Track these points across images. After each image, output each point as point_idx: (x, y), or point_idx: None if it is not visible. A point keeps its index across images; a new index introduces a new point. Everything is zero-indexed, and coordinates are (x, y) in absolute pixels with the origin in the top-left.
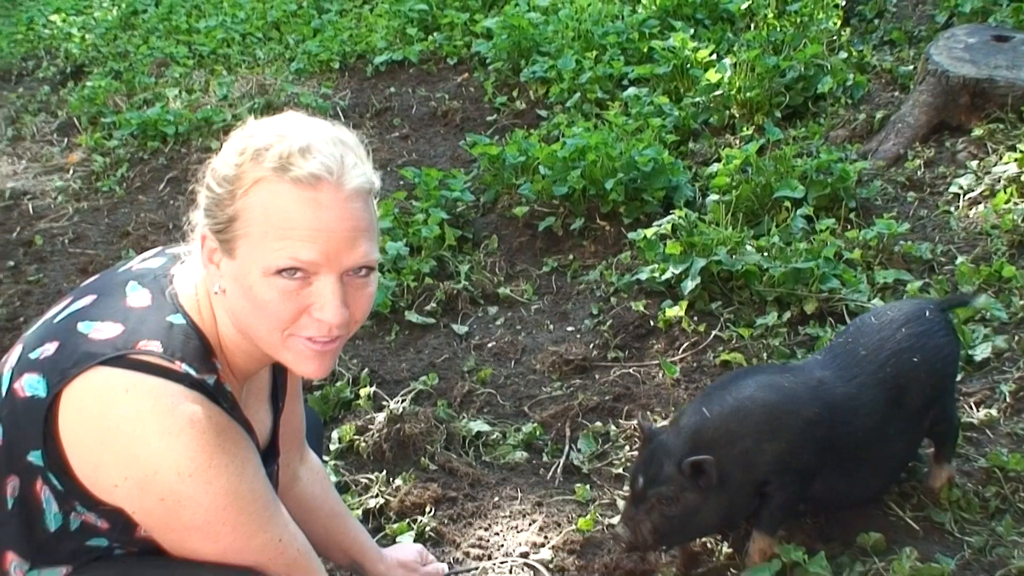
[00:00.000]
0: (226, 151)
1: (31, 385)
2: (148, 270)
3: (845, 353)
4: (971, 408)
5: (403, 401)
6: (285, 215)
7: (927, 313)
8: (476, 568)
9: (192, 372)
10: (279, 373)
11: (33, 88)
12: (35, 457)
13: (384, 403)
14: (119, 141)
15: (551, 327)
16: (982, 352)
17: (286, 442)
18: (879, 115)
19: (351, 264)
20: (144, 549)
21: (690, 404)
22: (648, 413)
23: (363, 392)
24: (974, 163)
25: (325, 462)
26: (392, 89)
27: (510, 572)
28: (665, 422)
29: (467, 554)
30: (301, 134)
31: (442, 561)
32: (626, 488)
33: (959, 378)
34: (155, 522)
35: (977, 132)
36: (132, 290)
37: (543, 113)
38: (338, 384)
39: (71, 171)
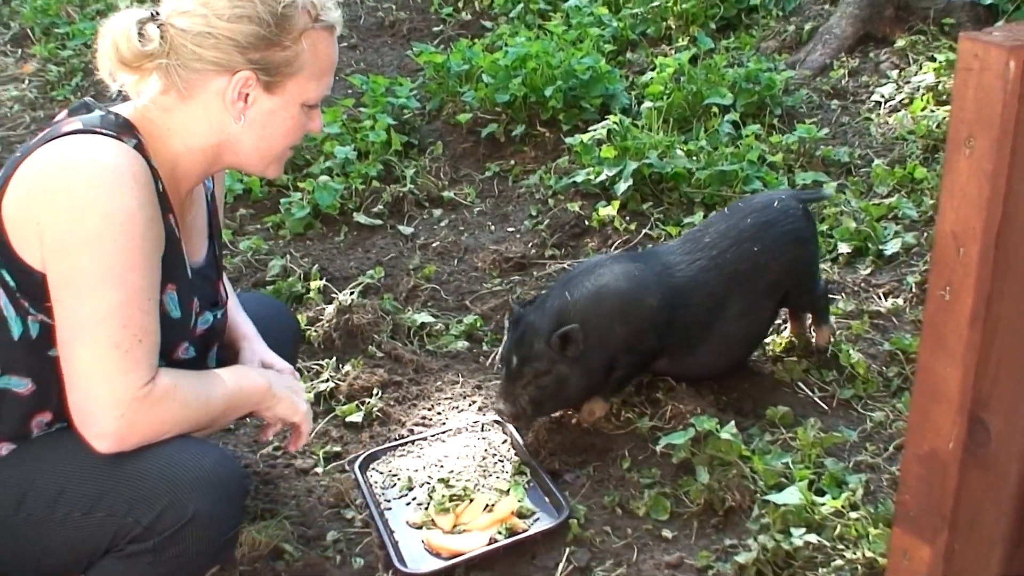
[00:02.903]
0: None
1: None
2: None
3: (694, 239)
4: (880, 298)
5: (352, 294)
6: (326, 57)
7: (775, 204)
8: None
9: (111, 135)
10: (213, 215)
11: None
12: None
13: (334, 296)
14: (73, 51)
15: (492, 228)
16: (892, 247)
17: None
18: (808, 27)
19: None
20: None
21: (553, 288)
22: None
23: (314, 285)
24: (895, 73)
25: None
26: None
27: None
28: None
29: (412, 431)
30: None
31: (391, 438)
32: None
33: (868, 271)
34: (56, 240)
35: (900, 43)
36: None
37: (488, 24)
38: (290, 279)
39: (26, 81)
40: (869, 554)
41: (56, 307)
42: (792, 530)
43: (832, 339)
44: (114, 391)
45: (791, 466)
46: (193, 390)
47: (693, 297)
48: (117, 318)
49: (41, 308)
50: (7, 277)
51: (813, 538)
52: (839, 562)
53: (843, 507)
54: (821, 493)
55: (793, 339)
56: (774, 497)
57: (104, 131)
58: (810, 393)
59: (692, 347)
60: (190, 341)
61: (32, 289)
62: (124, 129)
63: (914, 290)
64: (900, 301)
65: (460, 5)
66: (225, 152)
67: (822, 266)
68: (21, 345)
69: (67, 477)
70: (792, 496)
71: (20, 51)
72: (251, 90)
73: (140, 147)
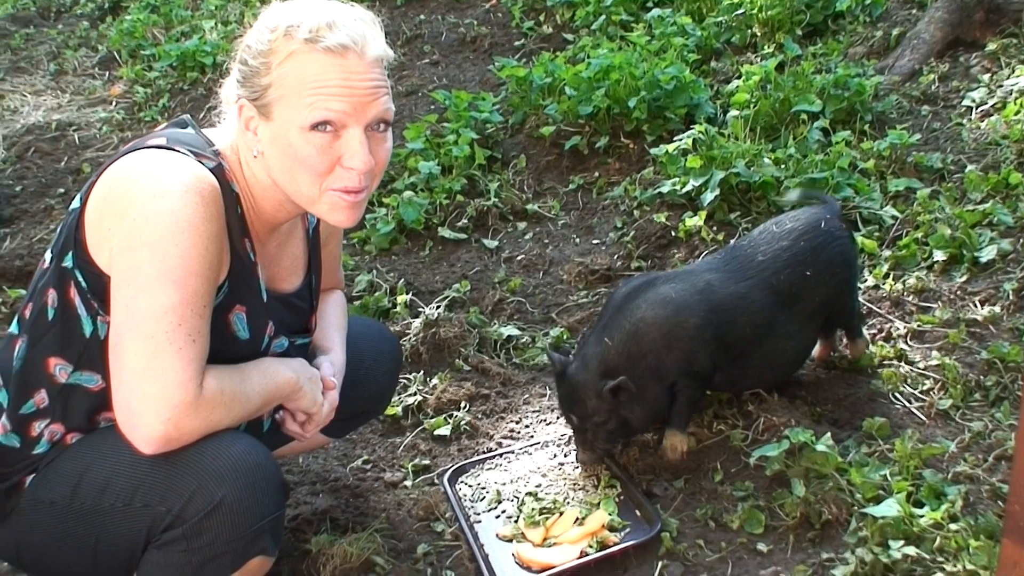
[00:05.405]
0: (257, 28)
1: (72, 204)
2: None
3: (744, 257)
4: (976, 306)
5: (438, 308)
6: (317, 76)
7: (823, 225)
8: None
9: (191, 156)
10: (313, 248)
11: (72, 24)
12: (68, 260)
13: (420, 310)
14: (159, 72)
15: (577, 240)
16: (988, 254)
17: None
18: (896, 32)
19: (374, 116)
20: None
21: (591, 333)
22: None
23: (400, 300)
24: (986, 77)
25: None
26: (422, 17)
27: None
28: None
29: (500, 444)
30: (326, 12)
31: (480, 451)
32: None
33: (964, 279)
34: (121, 243)
35: (991, 47)
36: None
37: (569, 37)
38: (376, 294)
39: (114, 103)
40: (970, 566)
41: (113, 304)
42: (890, 543)
43: (867, 350)
44: (163, 390)
45: (889, 478)
46: (235, 388)
47: (742, 314)
48: (173, 315)
49: (107, 311)
50: (80, 278)
51: (912, 551)
52: (939, 575)
53: (942, 519)
54: (919, 505)
55: (829, 356)
56: (872, 510)
57: (183, 149)
58: (907, 404)
59: (742, 362)
60: None
61: (100, 291)
62: (206, 151)
63: (1011, 297)
64: (997, 309)
65: (541, 19)
66: (281, 190)
67: (918, 273)
68: (92, 342)
69: (113, 468)
70: (890, 508)
71: (108, 73)
72: (252, 120)
73: (220, 170)
